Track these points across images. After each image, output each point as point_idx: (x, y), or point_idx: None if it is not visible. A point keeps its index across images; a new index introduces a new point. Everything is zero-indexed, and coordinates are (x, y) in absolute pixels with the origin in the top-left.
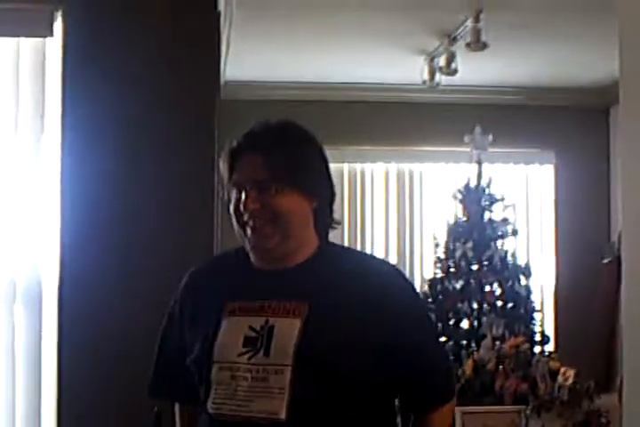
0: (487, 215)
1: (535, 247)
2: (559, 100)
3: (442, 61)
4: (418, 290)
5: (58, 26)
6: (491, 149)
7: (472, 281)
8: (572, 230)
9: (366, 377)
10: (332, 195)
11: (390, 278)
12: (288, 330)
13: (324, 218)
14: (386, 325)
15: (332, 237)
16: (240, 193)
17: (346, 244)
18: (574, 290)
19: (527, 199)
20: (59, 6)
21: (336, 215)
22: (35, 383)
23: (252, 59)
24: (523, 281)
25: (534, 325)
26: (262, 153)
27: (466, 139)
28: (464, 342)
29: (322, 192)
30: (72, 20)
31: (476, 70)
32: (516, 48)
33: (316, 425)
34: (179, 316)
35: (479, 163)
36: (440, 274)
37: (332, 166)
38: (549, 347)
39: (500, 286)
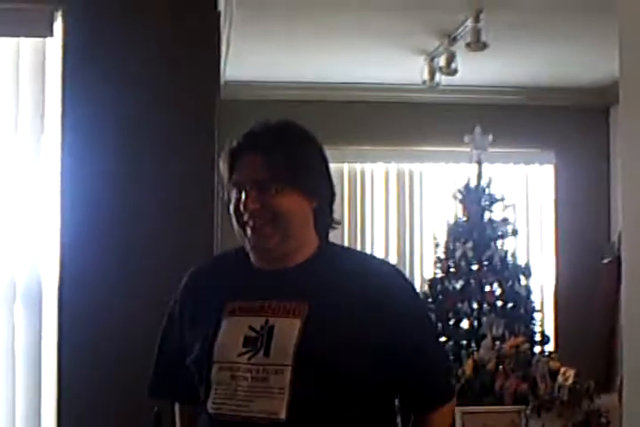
0: (487, 215)
1: (535, 247)
2: (559, 100)
3: (442, 61)
4: (418, 290)
5: (58, 26)
6: (491, 149)
7: (472, 281)
8: (572, 230)
9: (366, 377)
10: (332, 195)
11: (390, 278)
12: (288, 330)
13: (324, 218)
14: (386, 325)
15: (332, 236)
16: (240, 193)
17: (346, 244)
18: (574, 290)
19: (527, 199)
20: (59, 6)
21: (336, 215)
22: (35, 383)
23: (252, 59)
24: (523, 281)
25: (534, 325)
26: (262, 153)
27: (466, 139)
28: (464, 342)
29: (322, 192)
30: (72, 20)
31: (476, 70)
32: (515, 48)
33: (316, 425)
34: (179, 316)
35: (479, 163)
36: (440, 274)
37: (332, 166)
38: (549, 347)
39: (500, 286)
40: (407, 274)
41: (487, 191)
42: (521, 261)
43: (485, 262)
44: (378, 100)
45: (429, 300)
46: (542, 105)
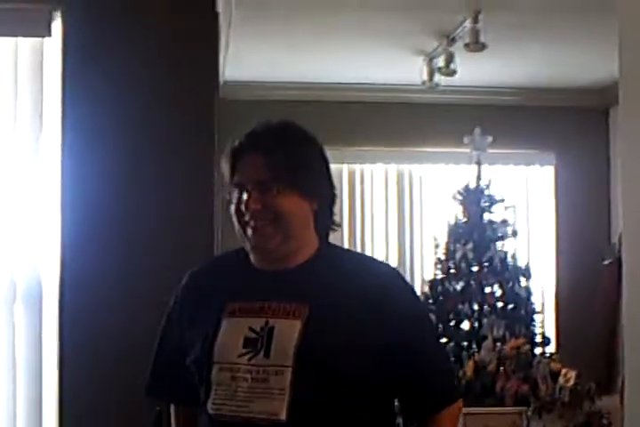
0: (487, 216)
1: (535, 249)
2: (558, 101)
3: (441, 62)
4: (418, 292)
5: (57, 26)
6: (490, 150)
7: (472, 282)
8: (572, 232)
9: (366, 378)
10: (333, 196)
11: (390, 280)
12: (288, 331)
13: (325, 219)
14: (386, 326)
15: (332, 237)
16: (241, 193)
17: (346, 245)
18: (575, 291)
19: (527, 200)
20: (57, 6)
21: (336, 216)
22: (36, 383)
23: (251, 59)
24: (523, 282)
25: (535, 326)
26: (264, 153)
27: (465, 140)
28: (465, 343)
29: (322, 193)
30: (71, 20)
31: (474, 71)
32: (514, 49)
33: (317, 426)
34: (178, 316)
35: (479, 164)
36: (440, 275)
37: (332, 167)
38: (550, 348)
39: (501, 287)
40: (407, 275)
41: (487, 192)
42: (521, 263)
43: (486, 264)
44: (377, 101)
45: (430, 301)
46: (541, 106)
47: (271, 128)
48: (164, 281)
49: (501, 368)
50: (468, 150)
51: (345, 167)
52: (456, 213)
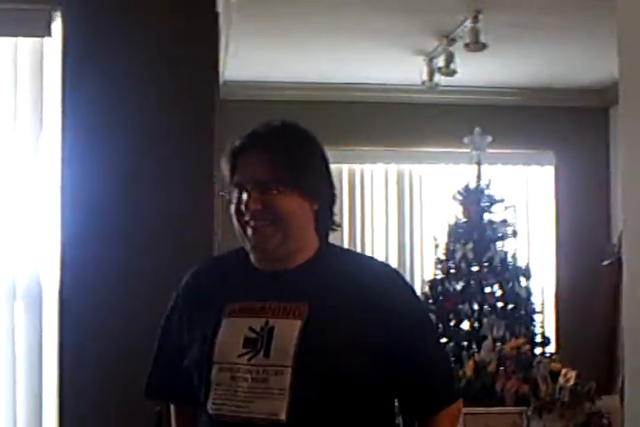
0: (487, 216)
1: (535, 248)
2: (558, 101)
3: (441, 62)
4: (418, 291)
5: (57, 26)
6: (490, 150)
7: (472, 282)
8: (572, 232)
9: (366, 378)
10: (333, 197)
11: (390, 280)
12: (288, 331)
13: (325, 219)
14: (386, 325)
15: (332, 237)
16: (241, 193)
17: (346, 245)
18: (575, 291)
19: (527, 200)
20: (57, 6)
21: (336, 216)
22: (36, 383)
23: (251, 59)
24: (523, 282)
25: (535, 326)
26: (264, 154)
27: (465, 140)
28: (465, 343)
29: (323, 194)
30: (71, 20)
31: (474, 71)
32: (514, 49)
33: (317, 426)
34: (178, 316)
35: (479, 164)
36: (440, 275)
37: (332, 167)
38: (550, 348)
39: (501, 287)
40: (407, 275)
41: (487, 192)
42: (521, 263)
43: (485, 264)
44: (377, 101)
45: (430, 301)
46: (541, 105)
47: (272, 128)
48: (163, 281)
49: (501, 368)
50: (467, 150)
51: (345, 167)
52: (456, 213)
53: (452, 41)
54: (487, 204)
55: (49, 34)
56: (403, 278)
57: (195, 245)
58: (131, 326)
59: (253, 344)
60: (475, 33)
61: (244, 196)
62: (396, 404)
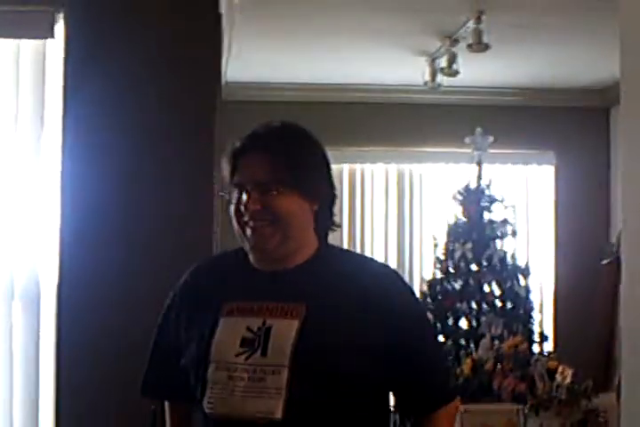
0: (487, 216)
1: (535, 248)
2: (560, 101)
3: (443, 62)
4: (417, 291)
5: (59, 28)
6: (491, 150)
7: (471, 281)
8: (571, 231)
9: (364, 378)
10: (333, 197)
11: (388, 280)
12: (285, 331)
13: (325, 220)
14: (385, 326)
15: (332, 237)
16: (241, 194)
17: (345, 244)
18: (573, 290)
19: (527, 200)
20: (60, 8)
21: (335, 217)
22: (33, 383)
23: (253, 60)
24: (522, 281)
25: (533, 325)
26: (264, 154)
27: (467, 140)
28: (463, 341)
29: (323, 194)
30: (73, 22)
31: (477, 71)
32: (516, 49)
33: (313, 425)
34: (176, 315)
35: (479, 164)
36: (439, 275)
37: (332, 167)
38: (548, 347)
39: (500, 286)
40: (407, 275)
41: (487, 192)
42: (520, 262)
43: (485, 263)
44: (379, 101)
45: (429, 300)
46: (543, 106)
47: (272, 129)
48: (163, 281)
49: (499, 366)
50: (468, 150)
51: (345, 167)
52: (456, 212)
53: (455, 41)
54: (487, 203)
55: (51, 35)
56: (402, 279)
57: (194, 245)
58: (129, 326)
59: (251, 344)
60: (477, 34)
61: (244, 196)
62: (393, 402)
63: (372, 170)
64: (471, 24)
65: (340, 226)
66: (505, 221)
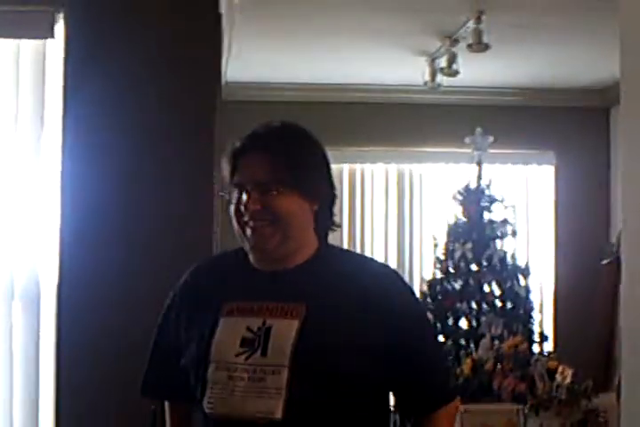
0: (487, 216)
1: (535, 248)
2: (560, 101)
3: (443, 62)
4: (417, 291)
5: (59, 28)
6: (491, 150)
7: (471, 281)
8: (571, 231)
9: (364, 378)
10: (333, 197)
11: (388, 280)
12: (285, 331)
13: (325, 220)
14: (385, 326)
15: (332, 237)
16: (241, 194)
17: (345, 244)
18: (573, 290)
19: (527, 200)
20: (60, 8)
21: (335, 217)
22: (33, 383)
23: (253, 60)
24: (522, 281)
25: (533, 325)
26: (264, 154)
27: (467, 140)
28: (463, 341)
29: (323, 195)
30: (73, 22)
31: (477, 71)
32: (516, 49)
33: (313, 425)
34: (175, 315)
35: (479, 164)
36: (439, 275)
37: (332, 167)
38: (548, 347)
39: (500, 286)
40: (406, 275)
41: (487, 192)
42: (520, 262)
43: (485, 263)
44: (379, 101)
45: (429, 300)
46: (543, 106)
47: (272, 129)
48: (163, 281)
49: (499, 366)
50: (468, 150)
51: (345, 167)
52: (456, 212)
53: (455, 41)
54: (487, 203)
55: (51, 35)
56: (402, 279)
57: (194, 245)
58: (129, 326)
59: (251, 344)
60: (477, 34)
61: (244, 196)
62: (393, 402)
63: (372, 170)
64: (471, 24)
65: (339, 226)
66: (505, 221)
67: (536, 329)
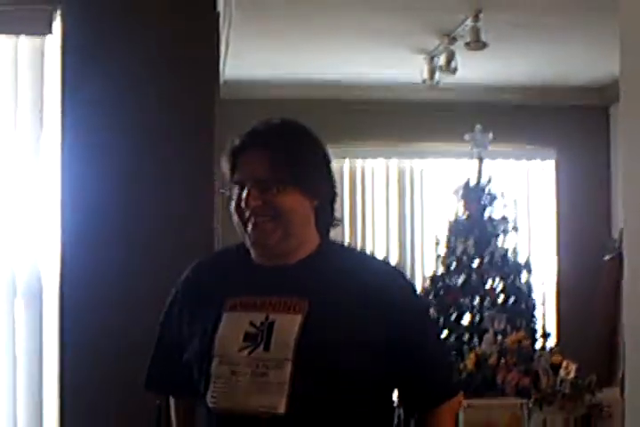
0: (488, 212)
1: (536, 244)
2: (559, 99)
3: (441, 60)
4: (418, 287)
5: (57, 25)
6: (491, 148)
7: (473, 276)
8: (573, 227)
9: (366, 374)
10: (334, 194)
11: (390, 276)
12: (289, 325)
13: (326, 216)
14: (387, 322)
15: (333, 233)
16: (241, 191)
17: (347, 240)
18: (575, 286)
19: (528, 196)
20: (57, 5)
21: (337, 212)
22: (36, 381)
23: (252, 58)
24: (524, 277)
25: (536, 319)
26: (264, 152)
27: (466, 137)
28: (466, 336)
29: (323, 191)
30: (71, 20)
31: (475, 69)
32: (515, 47)
33: (316, 420)
34: (178, 310)
35: (480, 160)
36: (441, 271)
37: (333, 163)
38: (551, 341)
39: (502, 281)
40: (408, 271)
41: (488, 188)
42: (522, 258)
43: (486, 259)
44: (378, 100)
45: (431, 296)
46: (542, 104)
47: (271, 126)
48: (163, 281)
49: (502, 361)
50: (468, 147)
51: (346, 163)
52: (457, 208)
53: (453, 40)
54: (488, 199)
55: (49, 32)
56: (403, 275)
57: (195, 245)
58: (131, 325)
59: (254, 338)
60: (475, 32)
61: (244, 193)
62: (396, 398)
63: (372, 166)
64: (469, 22)
65: (341, 221)
66: (506, 218)
67: (539, 325)
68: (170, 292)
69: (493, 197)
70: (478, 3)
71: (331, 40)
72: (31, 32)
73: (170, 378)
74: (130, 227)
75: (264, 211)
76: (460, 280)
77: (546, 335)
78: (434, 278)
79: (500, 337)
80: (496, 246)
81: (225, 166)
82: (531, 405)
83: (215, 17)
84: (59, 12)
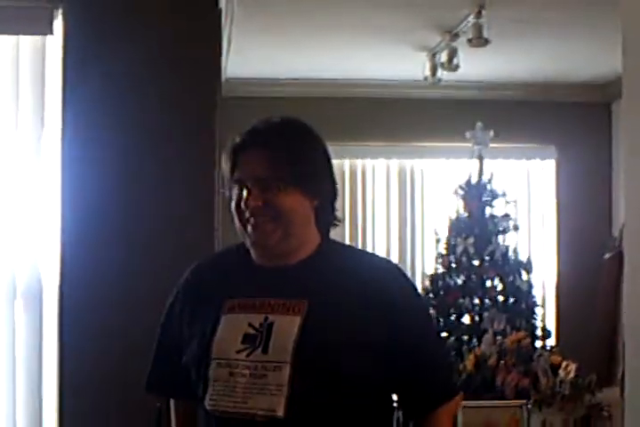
0: (488, 211)
1: (537, 242)
2: (561, 96)
3: (443, 57)
4: (419, 286)
5: (58, 24)
6: (492, 145)
7: (473, 276)
8: (573, 225)
9: (366, 376)
10: (335, 193)
11: (390, 276)
12: (287, 327)
13: (326, 216)
14: (387, 322)
15: (333, 232)
16: (241, 190)
17: (347, 240)
18: (576, 285)
19: (529, 194)
20: (59, 5)
21: (337, 212)
22: (35, 382)
23: (253, 56)
24: (524, 276)
25: (535, 320)
26: (265, 150)
27: (467, 134)
28: (465, 337)
29: (324, 191)
30: (72, 19)
31: (477, 66)
32: (517, 44)
33: (315, 422)
34: (179, 311)
35: (480, 158)
36: (441, 270)
37: (333, 162)
38: (551, 342)
39: (502, 281)
40: (408, 270)
41: (488, 187)
42: (522, 257)
43: (487, 258)
44: (379, 97)
45: (431, 295)
46: (544, 101)
47: (272, 124)
48: (163, 281)
49: (502, 362)
50: (469, 145)
51: (346, 162)
52: (457, 207)
53: (455, 36)
54: (489, 198)
55: (50, 32)
56: (404, 275)
57: (195, 245)
58: (131, 325)
59: (252, 340)
60: (478, 28)
61: (244, 193)
62: (396, 400)
63: (373, 165)
64: (471, 19)
65: (341, 221)
66: (506, 216)
67: (539, 324)
68: (170, 292)
69: (495, 195)
70: None
71: (332, 37)
72: (32, 32)
73: (170, 381)
74: (130, 227)
75: (264, 211)
76: (460, 280)
77: (546, 335)
78: (434, 278)
79: (499, 338)
80: (497, 244)
81: (225, 165)
82: (530, 406)
83: (217, 14)
84: (60, 12)
